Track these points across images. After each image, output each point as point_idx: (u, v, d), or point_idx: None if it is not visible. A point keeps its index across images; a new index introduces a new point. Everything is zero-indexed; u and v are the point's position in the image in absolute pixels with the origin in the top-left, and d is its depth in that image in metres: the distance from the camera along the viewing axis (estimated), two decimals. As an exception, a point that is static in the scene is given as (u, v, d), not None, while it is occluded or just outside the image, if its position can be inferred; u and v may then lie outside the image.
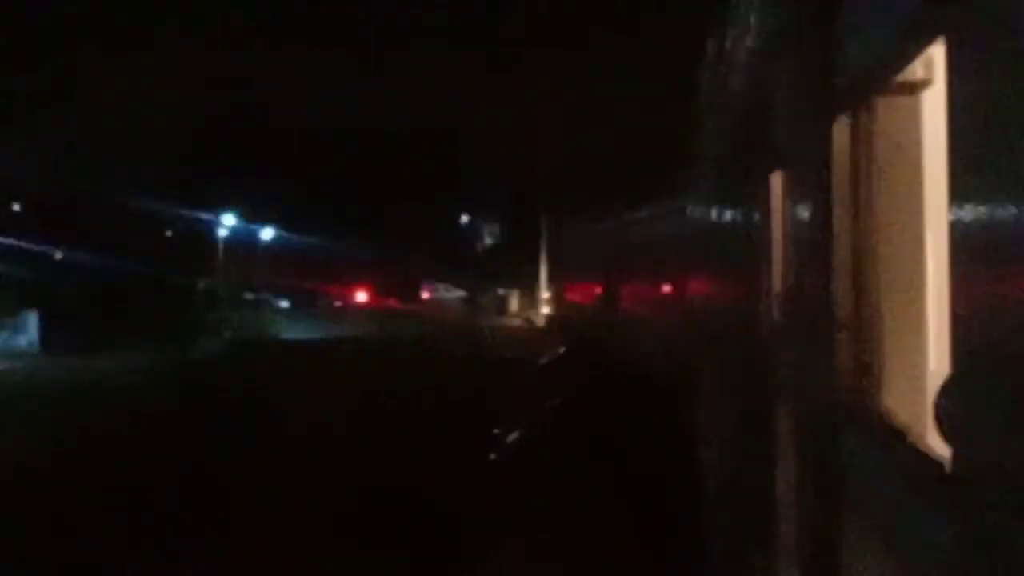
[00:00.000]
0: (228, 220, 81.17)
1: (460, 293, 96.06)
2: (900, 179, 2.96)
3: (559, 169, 64.77)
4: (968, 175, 1.62)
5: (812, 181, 3.57)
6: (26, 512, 19.82)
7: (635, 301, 24.82)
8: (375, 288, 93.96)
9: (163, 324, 61.64)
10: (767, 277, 5.12)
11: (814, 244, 3.57)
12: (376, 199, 77.34)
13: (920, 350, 2.88)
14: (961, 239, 1.65)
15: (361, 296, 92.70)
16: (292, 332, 73.25)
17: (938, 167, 2.68)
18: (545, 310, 69.85)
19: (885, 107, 2.96)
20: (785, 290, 4.51)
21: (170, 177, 73.91)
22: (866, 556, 3.05)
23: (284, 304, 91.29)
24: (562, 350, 39.63)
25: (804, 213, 3.82)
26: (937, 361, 2.76)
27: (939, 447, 2.13)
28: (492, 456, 24.32)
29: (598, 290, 37.90)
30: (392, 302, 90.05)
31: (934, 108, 2.68)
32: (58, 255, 65.49)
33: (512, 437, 24.40)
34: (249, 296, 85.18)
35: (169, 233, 77.22)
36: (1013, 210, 1.45)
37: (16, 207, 66.06)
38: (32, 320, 66.12)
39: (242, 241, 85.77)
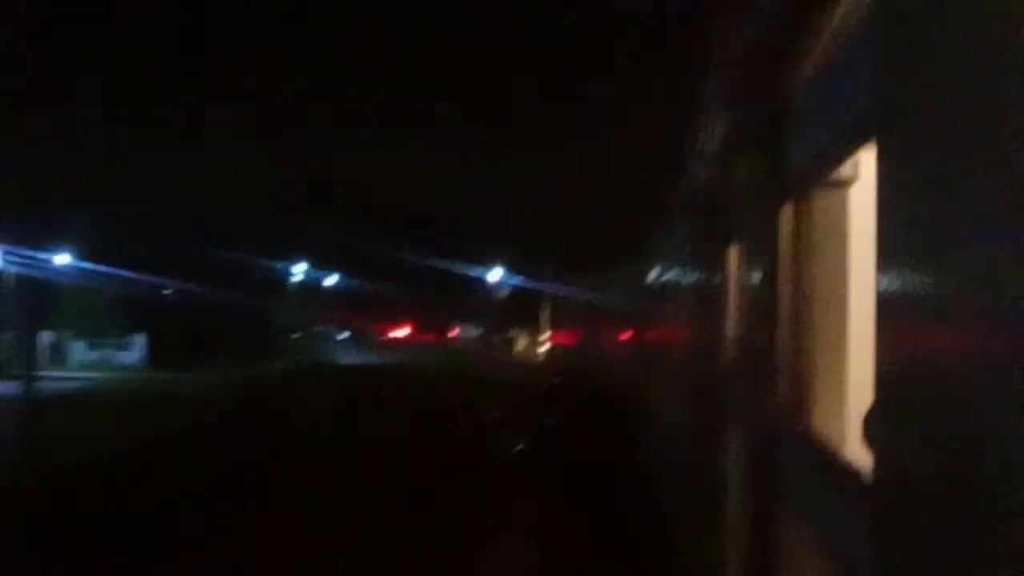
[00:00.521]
0: (299, 268, 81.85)
1: (480, 332, 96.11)
2: (830, 254, 2.98)
3: (559, 238, 64.71)
4: (895, 249, 1.63)
5: (762, 253, 3.58)
6: (142, 479, 20.21)
7: (615, 344, 24.65)
8: (414, 326, 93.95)
9: (245, 349, 61.84)
10: (723, 326, 5.12)
11: (761, 302, 3.58)
12: (417, 255, 77.36)
13: (841, 386, 2.89)
14: (885, 300, 1.67)
15: (403, 332, 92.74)
16: (347, 358, 73.93)
17: (860, 245, 2.70)
18: (543, 348, 70.08)
19: (820, 198, 2.99)
20: (737, 336, 4.51)
21: (256, 232, 74.03)
22: (796, 542, 3.06)
23: (343, 336, 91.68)
24: (556, 379, 39.66)
25: (754, 278, 3.83)
26: (853, 394, 2.78)
27: (855, 459, 2.14)
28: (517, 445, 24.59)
29: (585, 333, 37.70)
30: (426, 337, 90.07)
31: (859, 199, 2.70)
32: (167, 291, 65.41)
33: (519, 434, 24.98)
34: (317, 329, 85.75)
35: (255, 277, 77.27)
36: (929, 278, 1.47)
37: (144, 251, 65.96)
38: (140, 341, 66.26)
39: (311, 285, 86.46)
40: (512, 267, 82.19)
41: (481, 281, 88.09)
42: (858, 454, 2.13)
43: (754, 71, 3.85)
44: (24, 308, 61.85)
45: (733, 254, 4.82)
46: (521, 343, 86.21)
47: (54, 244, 65.52)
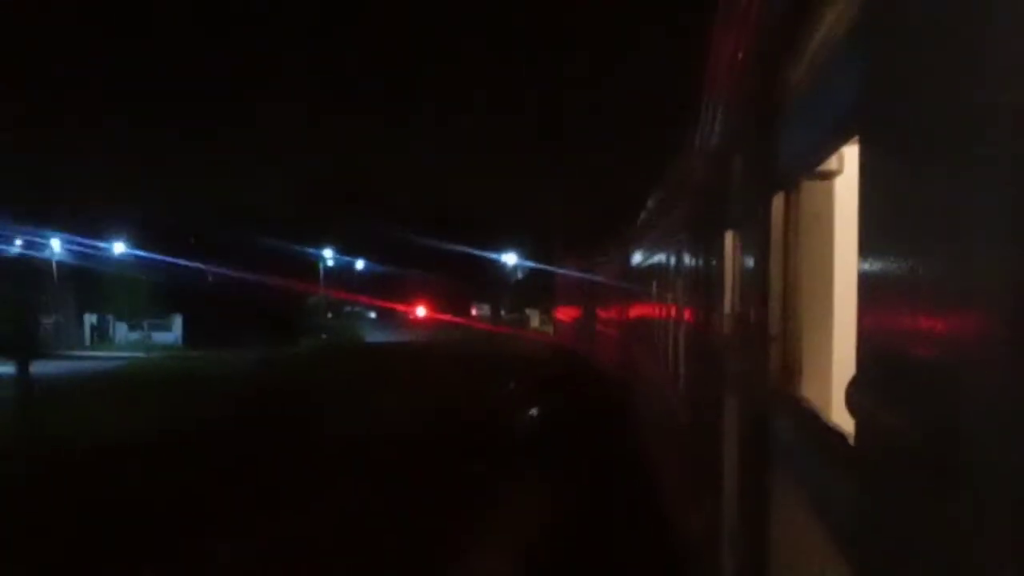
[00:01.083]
0: (329, 253, 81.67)
1: (498, 311, 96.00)
2: (817, 239, 2.98)
3: (569, 226, 64.42)
4: (875, 235, 1.65)
5: (755, 238, 3.58)
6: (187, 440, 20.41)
7: (618, 321, 24.57)
8: (437, 306, 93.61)
9: (278, 328, 61.65)
10: (721, 303, 5.11)
11: (755, 282, 3.58)
12: (440, 241, 77.02)
13: (827, 357, 2.90)
14: (866, 281, 1.68)
15: (426, 311, 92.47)
16: (375, 336, 73.62)
17: (844, 230, 2.72)
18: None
19: (808, 189, 2.99)
20: (733, 312, 4.51)
21: (289, 220, 73.84)
22: (785, 498, 3.07)
23: (372, 315, 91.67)
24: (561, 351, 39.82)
25: (749, 260, 3.83)
26: (838, 364, 2.79)
27: (841, 423, 2.16)
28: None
29: (592, 311, 37.56)
30: (448, 316, 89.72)
31: (843, 189, 2.72)
32: (209, 277, 65.27)
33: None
34: (348, 310, 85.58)
35: (289, 263, 77.01)
36: (905, 262, 1.49)
37: (189, 240, 65.75)
38: (178, 321, 66.12)
39: (342, 270, 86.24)
40: (526, 252, 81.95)
41: (498, 264, 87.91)
42: (842, 419, 2.14)
43: (749, 75, 3.85)
44: (70, 293, 62.05)
45: (729, 239, 4.81)
46: (535, 320, 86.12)
47: (109, 235, 65.69)
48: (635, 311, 17.00)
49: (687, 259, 7.90)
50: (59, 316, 60.86)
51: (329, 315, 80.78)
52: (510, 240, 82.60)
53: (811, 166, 2.77)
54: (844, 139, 2.28)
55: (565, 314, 55.91)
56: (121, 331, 65.84)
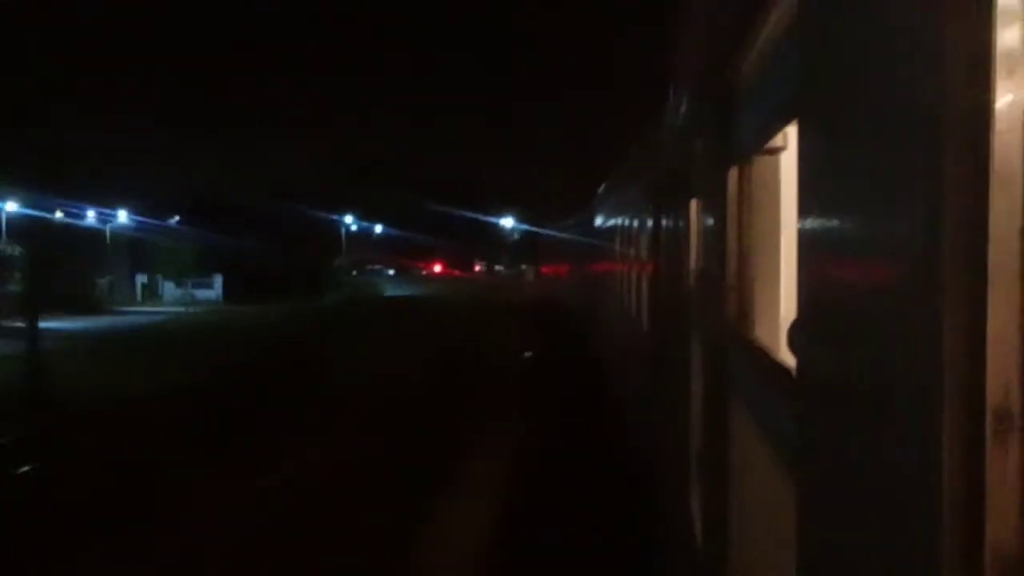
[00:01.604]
0: (350, 220, 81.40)
1: (497, 268, 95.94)
2: (765, 205, 3.01)
3: (556, 192, 64.12)
4: (811, 201, 1.69)
5: (715, 205, 3.61)
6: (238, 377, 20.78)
7: (597, 275, 24.58)
8: (446, 263, 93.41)
9: (309, 285, 61.54)
10: (687, 260, 5.14)
11: (715, 241, 3.62)
12: (449, 207, 76.94)
13: (775, 304, 2.94)
14: (805, 240, 1.72)
15: (437, 268, 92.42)
16: (393, 290, 73.71)
17: (788, 197, 2.74)
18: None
19: (758, 163, 3.01)
20: (697, 268, 4.54)
21: (315, 192, 73.57)
22: (740, 426, 3.12)
23: (391, 273, 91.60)
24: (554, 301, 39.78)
25: (710, 223, 3.86)
26: (785, 311, 2.82)
27: (787, 360, 2.19)
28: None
29: (574, 268, 37.37)
30: (456, 272, 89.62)
31: (787, 163, 2.74)
32: (247, 243, 65.09)
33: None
34: (369, 268, 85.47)
35: (316, 227, 76.84)
36: (836, 223, 1.53)
37: (228, 209, 65.52)
38: (218, 280, 65.98)
39: (362, 233, 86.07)
40: (520, 216, 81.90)
41: (497, 227, 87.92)
42: (786, 357, 2.17)
43: (707, 67, 3.86)
44: (124, 257, 61.90)
45: (694, 206, 4.83)
46: (529, 275, 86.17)
47: (160, 207, 65.53)
48: (612, 267, 17.00)
49: (659, 222, 7.90)
50: (114, 276, 60.66)
51: (353, 272, 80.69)
52: (509, 205, 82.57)
53: (760, 144, 2.79)
54: (787, 121, 2.31)
55: (551, 269, 55.66)
56: (168, 289, 65.62)
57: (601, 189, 21.51)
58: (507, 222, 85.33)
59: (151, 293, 64.71)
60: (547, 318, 35.01)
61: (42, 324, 33.87)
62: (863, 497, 1.37)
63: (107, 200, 61.10)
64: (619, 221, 14.85)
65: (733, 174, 3.28)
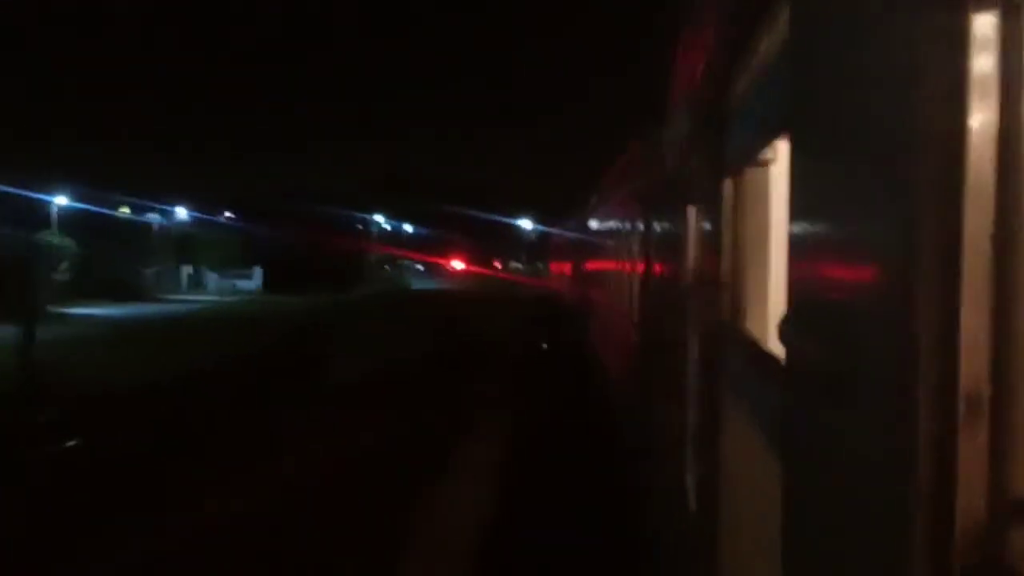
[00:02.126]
0: (382, 219, 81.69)
1: (516, 265, 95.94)
2: (756, 212, 3.00)
3: (569, 196, 63.97)
4: (801, 208, 1.68)
5: (711, 212, 3.60)
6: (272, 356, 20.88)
7: (602, 274, 24.49)
8: (469, 261, 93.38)
9: (344, 278, 61.48)
10: (685, 261, 5.13)
11: (710, 243, 3.61)
12: (473, 209, 77.14)
13: (764, 300, 2.92)
14: (794, 244, 1.71)
15: (460, 265, 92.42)
16: (421, 284, 73.80)
17: (777, 205, 2.73)
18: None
19: (750, 174, 3.00)
20: (695, 268, 4.53)
21: (351, 195, 73.81)
22: (733, 413, 3.11)
23: (420, 268, 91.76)
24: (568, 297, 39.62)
25: (706, 228, 3.85)
26: (772, 306, 2.81)
27: (776, 351, 2.18)
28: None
29: (583, 267, 37.16)
30: (477, 269, 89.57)
31: (776, 174, 2.72)
32: (288, 241, 65.03)
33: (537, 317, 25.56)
34: (400, 263, 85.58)
35: (350, 227, 77.02)
36: (823, 229, 1.52)
37: (274, 211, 65.82)
38: (258, 272, 65.74)
39: (395, 232, 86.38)
40: (540, 217, 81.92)
41: (516, 228, 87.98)
42: (776, 348, 2.17)
43: (705, 86, 3.84)
44: (171, 249, 61.92)
45: (692, 212, 4.82)
46: (543, 271, 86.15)
47: (207, 206, 65.88)
48: (617, 266, 16.95)
49: (660, 227, 7.89)
50: (160, 268, 60.48)
51: (386, 267, 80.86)
52: (527, 208, 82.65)
53: (752, 156, 2.78)
54: (777, 135, 2.30)
55: (560, 268, 55.44)
56: (212, 279, 65.40)
57: (593, 198, 21.52)
58: (525, 223, 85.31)
59: (196, 283, 64.65)
60: (549, 310, 35.03)
61: (88, 310, 33.91)
62: (843, 475, 1.37)
63: (168, 198, 61.52)
64: (620, 224, 14.79)
65: (727, 185, 3.27)
